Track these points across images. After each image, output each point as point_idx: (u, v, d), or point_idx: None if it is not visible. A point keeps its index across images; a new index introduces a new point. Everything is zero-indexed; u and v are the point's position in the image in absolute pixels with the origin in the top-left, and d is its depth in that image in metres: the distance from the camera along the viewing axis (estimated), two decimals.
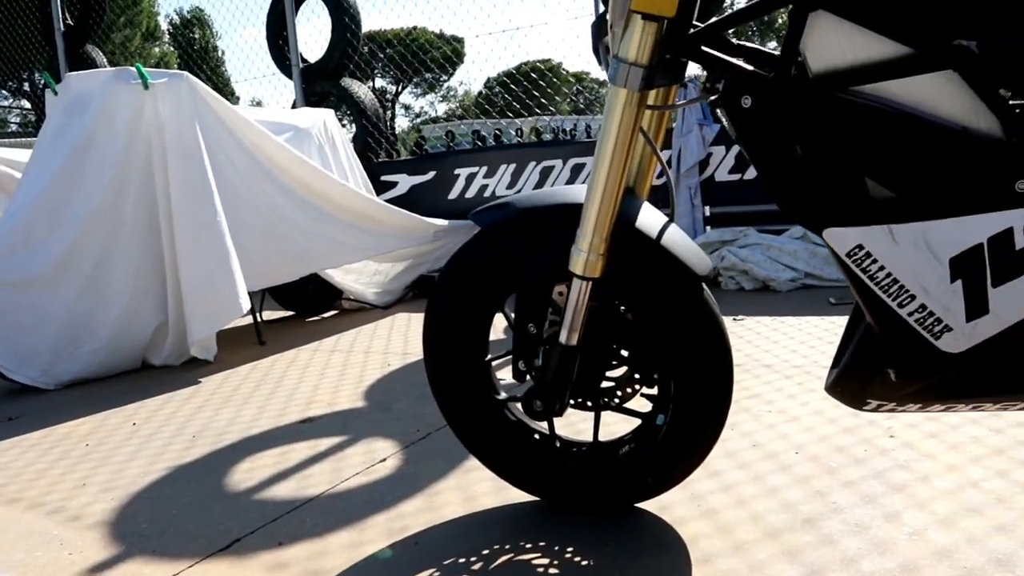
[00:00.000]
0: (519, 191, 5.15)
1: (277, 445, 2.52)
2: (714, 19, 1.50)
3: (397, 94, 37.79)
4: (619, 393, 1.81)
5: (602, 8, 1.45)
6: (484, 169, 5.20)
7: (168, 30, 33.27)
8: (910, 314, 1.39)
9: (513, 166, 5.12)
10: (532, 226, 1.72)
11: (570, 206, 1.67)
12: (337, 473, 2.24)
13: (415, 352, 3.64)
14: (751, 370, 2.90)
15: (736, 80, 1.41)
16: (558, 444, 1.89)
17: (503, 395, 1.90)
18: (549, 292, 1.73)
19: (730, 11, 1.52)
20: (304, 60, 6.49)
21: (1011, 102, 1.32)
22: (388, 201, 5.36)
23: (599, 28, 1.56)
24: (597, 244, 1.58)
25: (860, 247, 1.38)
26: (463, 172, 5.26)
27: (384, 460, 2.31)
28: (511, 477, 1.94)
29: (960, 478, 1.90)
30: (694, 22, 1.50)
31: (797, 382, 2.71)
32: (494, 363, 1.89)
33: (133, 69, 3.60)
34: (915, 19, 1.30)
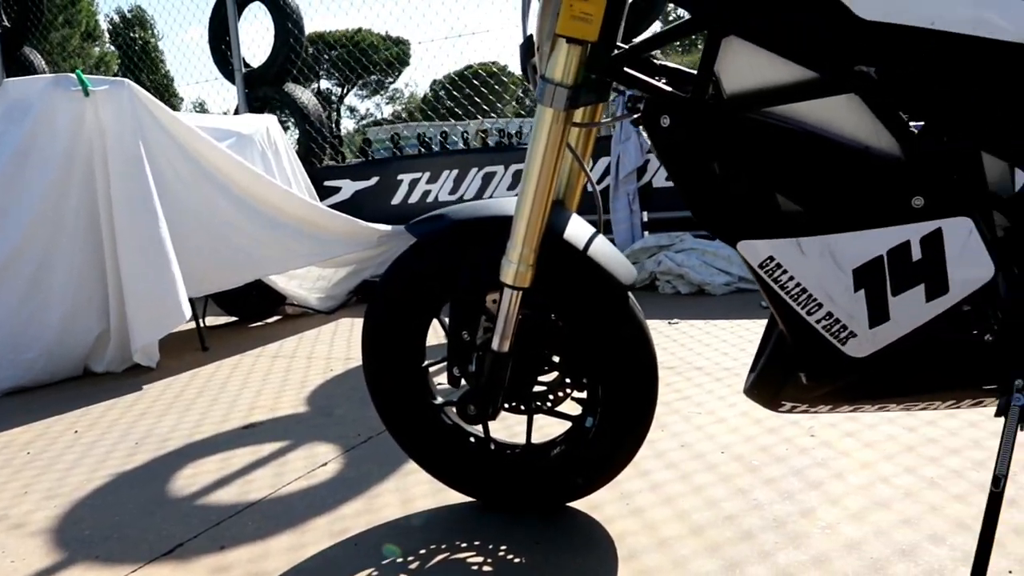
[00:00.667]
0: (462, 196, 5.22)
1: (220, 451, 2.55)
2: (635, 41, 1.58)
3: (342, 96, 37.59)
4: (551, 397, 1.89)
5: (530, 30, 1.53)
6: (427, 175, 5.26)
7: (108, 29, 32.72)
8: (818, 321, 1.48)
9: (456, 172, 5.19)
10: (465, 238, 1.79)
11: (501, 218, 1.74)
12: (279, 477, 2.28)
13: (357, 357, 3.68)
14: (683, 372, 3.00)
15: (655, 101, 1.49)
16: (493, 447, 1.96)
17: (439, 400, 1.96)
18: (482, 301, 1.80)
19: (652, 33, 1.61)
20: (247, 65, 6.49)
21: (909, 124, 1.42)
22: (331, 206, 5.39)
23: (527, 49, 1.63)
24: (526, 255, 1.65)
25: (771, 259, 1.47)
26: (406, 178, 5.31)
27: (325, 464, 2.36)
28: (448, 479, 2.00)
29: (872, 474, 2.01)
30: (618, 43, 1.58)
31: (727, 384, 2.82)
32: (431, 369, 1.95)
33: (73, 76, 3.59)
34: (818, 46, 1.39)
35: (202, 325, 4.13)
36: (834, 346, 1.50)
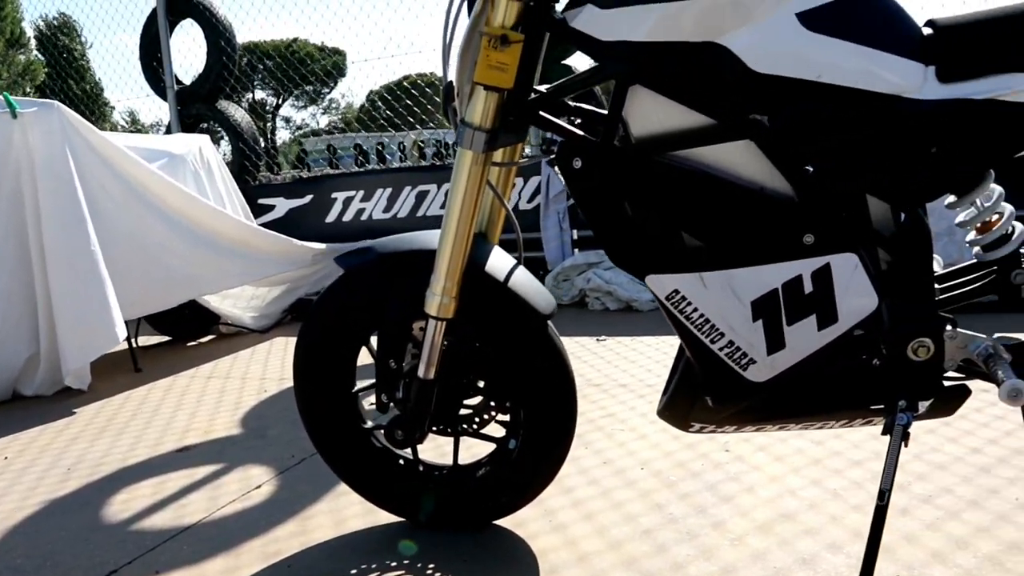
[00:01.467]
0: (396, 214, 5.28)
1: (154, 475, 2.59)
2: (549, 87, 1.68)
3: (278, 106, 37.33)
4: (476, 420, 1.98)
5: (450, 76, 1.62)
6: (361, 193, 5.31)
7: (35, 36, 31.99)
8: (720, 349, 1.60)
9: (389, 190, 5.26)
10: (391, 270, 1.87)
11: (425, 252, 1.82)
12: (213, 501, 2.33)
13: (291, 377, 3.67)
14: (608, 390, 3.11)
15: (568, 144, 1.59)
16: (421, 468, 2.04)
17: (369, 424, 2.04)
18: (409, 330, 1.88)
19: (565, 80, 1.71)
20: (179, 82, 6.48)
21: (802, 167, 1.54)
22: (266, 224, 5.43)
23: (447, 93, 1.72)
24: (449, 288, 1.74)
25: (676, 291, 1.58)
26: (340, 196, 5.36)
27: (259, 487, 2.41)
28: (378, 500, 2.07)
29: (780, 487, 2.14)
30: (535, 87, 1.68)
31: (649, 401, 2.93)
32: (361, 393, 2.03)
33: (0, 98, 3.59)
34: (716, 96, 1.51)
35: (135, 346, 4.13)
36: (736, 372, 1.61)
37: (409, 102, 7.60)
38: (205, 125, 6.43)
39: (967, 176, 1.55)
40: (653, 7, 1.48)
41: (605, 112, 1.62)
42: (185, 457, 2.74)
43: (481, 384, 1.96)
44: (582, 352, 3.73)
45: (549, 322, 1.87)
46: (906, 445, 1.59)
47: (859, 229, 1.54)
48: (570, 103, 1.73)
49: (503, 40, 1.55)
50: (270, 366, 3.98)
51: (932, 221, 1.60)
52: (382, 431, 1.95)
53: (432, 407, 1.87)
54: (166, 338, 4.90)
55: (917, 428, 1.83)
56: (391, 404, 1.93)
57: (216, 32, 6.20)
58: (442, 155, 6.94)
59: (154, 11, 6.40)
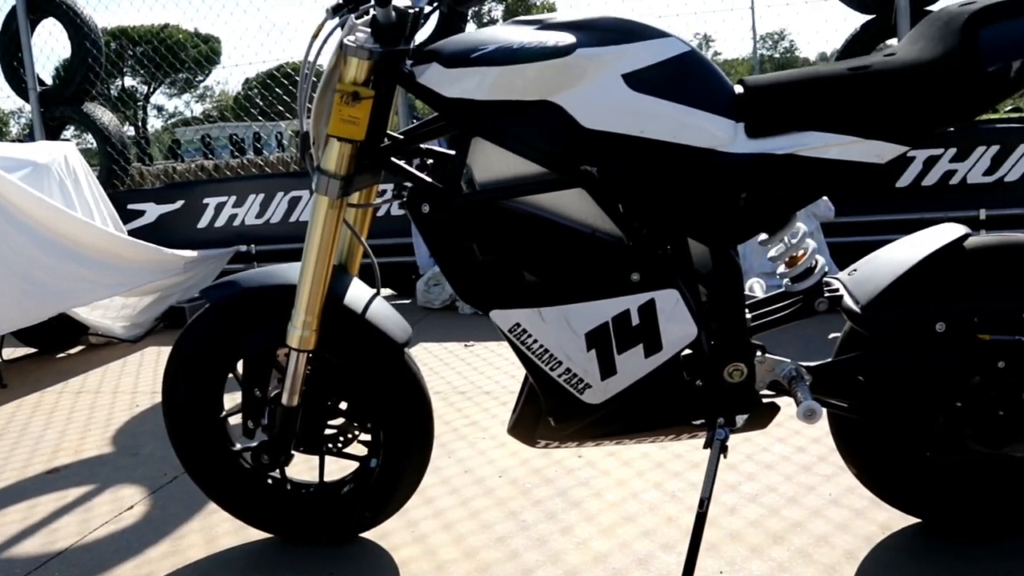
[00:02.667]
0: (268, 220, 5.30)
1: (24, 499, 2.60)
2: (399, 136, 1.81)
3: (149, 94, 36.16)
4: (340, 439, 2.10)
5: (306, 127, 1.72)
6: (233, 198, 5.31)
7: None
8: (559, 376, 1.76)
9: (262, 196, 5.27)
10: (254, 304, 1.97)
11: (287, 287, 1.93)
12: (85, 524, 2.38)
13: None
14: (473, 397, 3.26)
15: (416, 190, 1.73)
16: (289, 487, 2.14)
17: (237, 446, 2.13)
18: (273, 357, 1.99)
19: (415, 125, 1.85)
20: (42, 83, 6.30)
21: (628, 213, 1.71)
22: (136, 230, 5.37)
23: (303, 142, 1.83)
24: (309, 322, 1.85)
25: (518, 325, 1.73)
26: (212, 201, 5.34)
27: (131, 507, 2.47)
28: (248, 518, 2.17)
29: (625, 491, 2.33)
30: (390, 132, 1.81)
31: (511, 408, 3.08)
32: (229, 418, 2.11)
33: None
34: (551, 149, 1.66)
35: (0, 360, 4.07)
36: (574, 396, 1.78)
37: (285, 92, 7.56)
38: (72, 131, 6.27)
39: (774, 218, 1.75)
40: (492, 69, 1.62)
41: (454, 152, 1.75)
42: (56, 479, 2.76)
43: (344, 406, 2.08)
44: (450, 358, 3.87)
45: (406, 349, 2.00)
46: (724, 457, 1.80)
47: (680, 268, 1.73)
48: (421, 146, 1.86)
49: (355, 96, 1.67)
50: (141, 379, 3.98)
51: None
52: (250, 452, 2.04)
53: (296, 432, 1.98)
54: (32, 350, 4.81)
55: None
56: (257, 430, 2.03)
57: (80, 32, 6.04)
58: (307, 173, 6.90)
59: (13, 8, 6.20)
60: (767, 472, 2.38)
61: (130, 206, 5.48)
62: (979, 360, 1.76)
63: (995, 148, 4.38)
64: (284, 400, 1.93)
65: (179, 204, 5.43)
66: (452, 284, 1.76)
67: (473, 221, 1.71)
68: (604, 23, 1.68)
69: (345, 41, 1.68)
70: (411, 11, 1.71)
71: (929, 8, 4.74)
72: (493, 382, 3.43)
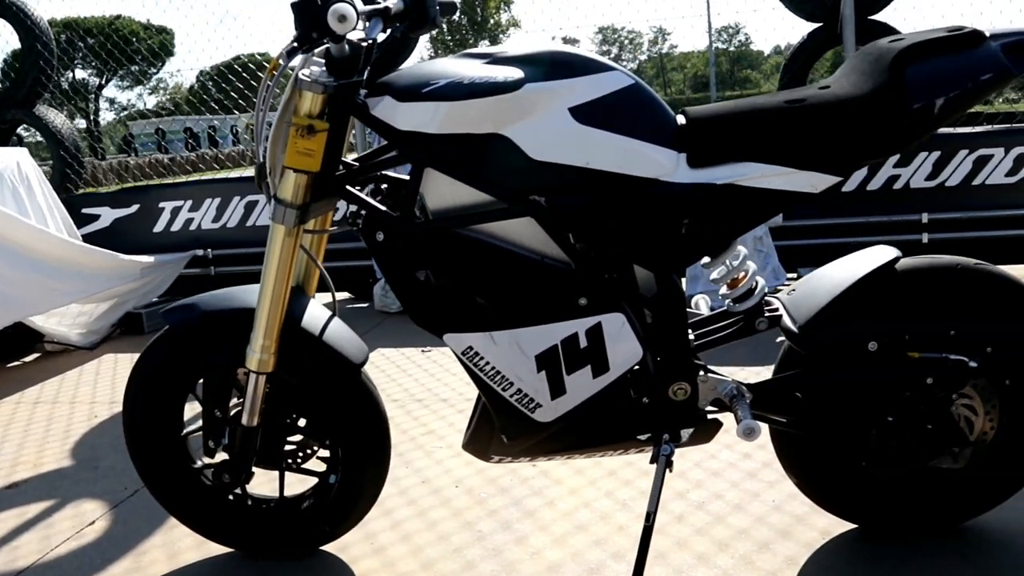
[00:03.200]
0: (225, 224, 5.30)
1: None
2: (354, 163, 1.86)
3: (101, 87, 35.61)
4: (299, 455, 2.15)
5: (261, 158, 1.77)
6: (189, 202, 5.29)
7: None
8: (511, 396, 1.83)
9: (218, 200, 5.26)
10: (213, 327, 2.01)
11: (245, 310, 1.97)
12: (47, 541, 2.40)
13: (121, 401, 3.72)
14: (430, 405, 3.32)
15: (370, 218, 1.78)
16: (249, 502, 2.19)
17: (198, 464, 2.17)
18: (232, 380, 2.03)
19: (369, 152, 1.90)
20: None
21: (575, 241, 1.77)
22: (90, 235, 5.34)
23: (260, 171, 1.87)
24: (268, 345, 1.90)
25: (471, 348, 1.80)
26: (168, 205, 5.32)
27: (93, 522, 2.49)
28: (210, 534, 2.21)
29: (577, 500, 2.40)
30: (345, 160, 1.86)
31: (467, 416, 3.14)
32: (190, 436, 2.15)
33: None
34: (500, 180, 1.72)
35: None
36: (525, 414, 1.85)
37: (240, 84, 7.52)
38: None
39: (716, 245, 1.83)
40: (443, 104, 1.68)
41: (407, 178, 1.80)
42: (15, 494, 2.77)
43: (303, 422, 2.12)
44: (407, 365, 3.92)
45: (362, 369, 2.05)
46: (670, 471, 1.88)
47: (625, 292, 1.80)
48: (378, 172, 1.91)
49: (310, 129, 1.72)
50: (99, 388, 3.98)
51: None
52: (211, 471, 2.08)
53: (256, 450, 2.03)
54: None
55: None
56: (217, 450, 2.07)
57: (31, 35, 5.97)
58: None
59: None
60: (714, 479, 2.46)
61: (84, 210, 5.44)
62: (909, 377, 1.85)
63: (936, 154, 4.52)
64: (244, 420, 1.98)
65: (134, 208, 5.40)
66: (406, 308, 1.82)
67: (426, 248, 1.77)
68: (551, 57, 1.74)
69: (300, 75, 1.73)
70: (364, 44, 1.76)
71: (873, 17, 4.86)
72: (450, 389, 3.49)
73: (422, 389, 3.51)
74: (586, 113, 1.71)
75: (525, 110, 1.69)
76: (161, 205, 5.38)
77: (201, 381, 2.07)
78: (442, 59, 1.80)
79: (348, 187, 1.84)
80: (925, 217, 4.58)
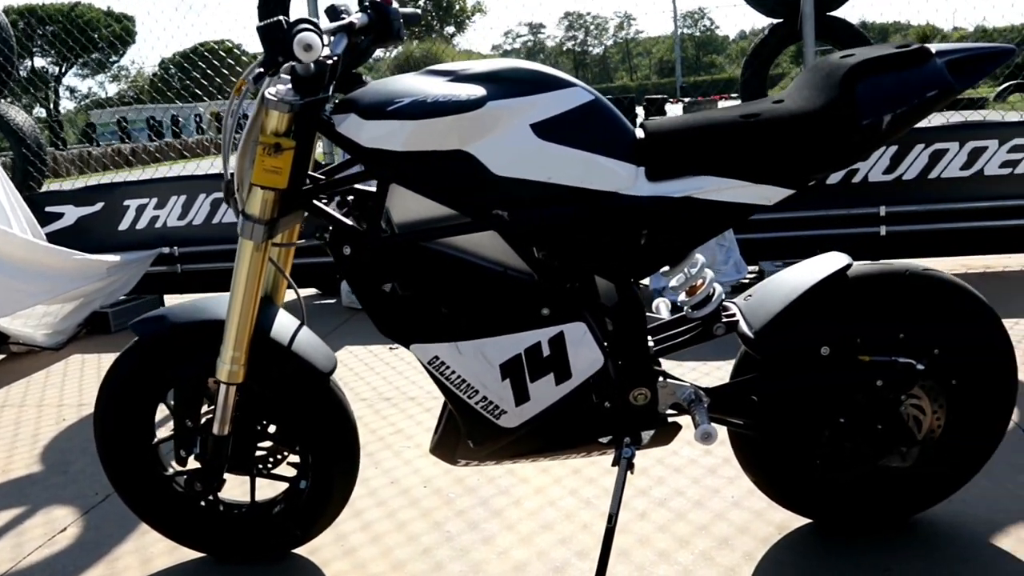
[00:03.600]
0: (191, 222, 5.29)
1: None
2: (320, 176, 1.90)
3: (60, 75, 35.08)
4: (270, 460, 2.19)
5: (229, 175, 1.81)
6: (154, 200, 5.27)
7: None
8: (477, 403, 1.88)
9: (184, 197, 5.25)
10: (183, 338, 2.04)
11: (215, 322, 2.00)
12: (19, 549, 2.42)
13: (90, 403, 3.72)
14: (398, 404, 3.36)
15: (337, 233, 1.82)
16: (221, 508, 2.23)
17: (170, 471, 2.20)
18: (202, 392, 2.06)
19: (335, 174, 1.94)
20: None
21: (537, 254, 1.82)
22: (54, 233, 5.30)
23: (228, 188, 1.90)
24: (237, 356, 1.94)
25: (437, 357, 1.85)
26: (133, 203, 5.30)
27: (65, 529, 2.52)
28: (183, 539, 2.24)
29: (543, 499, 2.46)
30: (311, 173, 1.89)
31: (435, 415, 3.20)
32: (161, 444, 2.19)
33: None
34: (463, 195, 1.77)
35: None
36: (491, 420, 1.90)
37: (204, 71, 7.47)
38: None
39: (674, 255, 1.89)
40: (408, 122, 1.72)
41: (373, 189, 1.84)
42: None
43: (272, 429, 2.16)
44: (374, 362, 3.96)
45: (331, 377, 2.09)
46: (632, 473, 1.94)
47: (587, 302, 1.86)
48: (346, 186, 1.95)
49: (277, 148, 1.75)
50: (67, 390, 3.98)
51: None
52: (183, 479, 2.12)
53: (227, 458, 2.07)
54: None
55: None
56: (189, 459, 2.10)
57: None
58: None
59: None
60: (676, 475, 2.54)
61: (48, 208, 5.40)
62: (860, 380, 1.93)
63: (893, 148, 4.61)
64: (215, 430, 2.01)
65: (99, 206, 5.37)
66: (373, 320, 1.86)
67: (392, 262, 1.81)
68: (513, 74, 1.79)
69: (266, 95, 1.76)
70: (329, 61, 1.79)
71: (832, 14, 4.95)
72: (418, 387, 3.54)
73: (390, 387, 3.56)
74: (547, 129, 1.76)
75: (488, 127, 1.73)
76: (126, 203, 5.35)
77: (172, 391, 2.10)
78: (406, 76, 1.84)
79: (315, 201, 1.88)
80: (883, 210, 4.68)
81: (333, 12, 2.02)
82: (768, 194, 1.81)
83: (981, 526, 2.13)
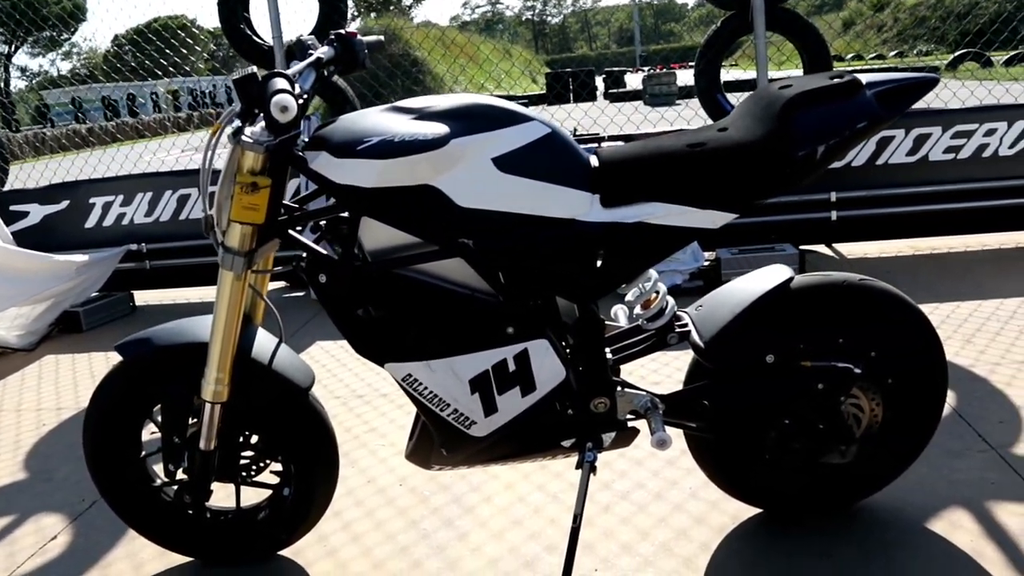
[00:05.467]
0: (158, 219, 5.35)
1: None
2: (295, 206, 2.01)
3: (10, 54, 34.42)
4: (254, 467, 2.31)
5: (208, 212, 1.93)
6: (120, 197, 5.32)
7: None
8: (448, 415, 2.01)
9: (150, 194, 5.30)
10: (168, 360, 2.15)
11: (199, 344, 2.12)
12: (12, 558, 2.53)
13: (68, 406, 3.81)
14: (371, 401, 3.49)
15: (312, 261, 1.94)
16: (208, 515, 2.35)
17: (158, 482, 2.32)
18: (190, 404, 2.18)
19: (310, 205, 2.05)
20: None
21: (500, 278, 1.95)
22: (20, 232, 5.34)
23: (207, 223, 2.01)
24: (221, 377, 2.06)
25: (410, 375, 1.98)
26: (99, 201, 5.34)
27: (55, 537, 2.62)
28: (170, 545, 2.37)
29: (513, 495, 2.61)
30: (287, 203, 2.00)
31: (408, 412, 3.32)
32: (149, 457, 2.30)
33: None
34: (430, 225, 1.89)
35: None
36: (462, 431, 2.04)
37: (159, 47, 7.45)
38: None
39: (629, 274, 2.03)
40: (377, 161, 1.83)
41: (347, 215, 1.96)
42: None
43: (255, 439, 2.29)
44: (346, 357, 4.08)
45: (310, 391, 2.22)
46: (594, 475, 2.09)
47: (548, 320, 2.00)
48: (319, 218, 2.05)
49: (253, 187, 1.86)
50: (44, 393, 4.05)
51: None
52: (171, 487, 2.24)
53: (214, 471, 2.19)
54: None
55: None
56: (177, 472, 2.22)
57: None
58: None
59: None
60: (637, 468, 2.70)
61: (13, 207, 5.43)
62: (802, 385, 2.09)
63: None
64: (202, 446, 2.13)
65: (64, 204, 5.41)
66: (349, 341, 1.99)
67: (366, 288, 1.93)
68: (475, 110, 1.91)
69: (242, 137, 1.86)
70: (300, 101, 1.90)
71: (783, 6, 5.08)
72: (389, 383, 3.65)
73: (362, 384, 3.68)
74: (507, 162, 1.88)
75: (452, 162, 1.85)
76: (92, 201, 5.40)
77: (158, 407, 2.22)
78: (374, 112, 1.95)
79: (291, 231, 1.99)
80: (833, 196, 4.86)
81: (300, 47, 2.13)
82: (713, 218, 1.95)
83: (916, 512, 2.30)
